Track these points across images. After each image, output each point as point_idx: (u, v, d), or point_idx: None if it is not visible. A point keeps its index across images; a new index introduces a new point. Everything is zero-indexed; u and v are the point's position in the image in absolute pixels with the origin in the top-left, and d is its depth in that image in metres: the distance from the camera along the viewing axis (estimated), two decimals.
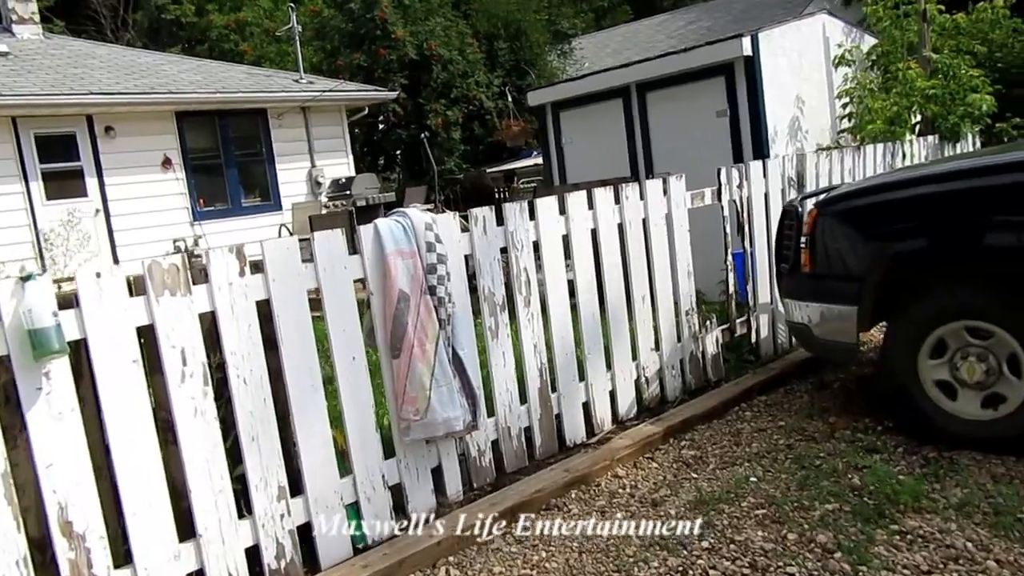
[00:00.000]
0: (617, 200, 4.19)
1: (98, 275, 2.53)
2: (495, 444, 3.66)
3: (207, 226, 12.33)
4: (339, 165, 13.82)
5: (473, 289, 3.54)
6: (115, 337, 2.55)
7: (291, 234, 12.73)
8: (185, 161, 12.32)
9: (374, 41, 15.75)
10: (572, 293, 4.00)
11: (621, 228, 4.22)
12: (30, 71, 11.89)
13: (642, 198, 4.32)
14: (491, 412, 3.64)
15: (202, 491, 2.73)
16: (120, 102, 11.46)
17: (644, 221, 4.34)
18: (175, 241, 11.96)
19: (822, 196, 4.12)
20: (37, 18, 14.25)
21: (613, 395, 4.20)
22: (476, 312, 3.54)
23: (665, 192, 4.45)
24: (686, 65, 7.24)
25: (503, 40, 17.30)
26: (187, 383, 2.70)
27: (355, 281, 3.17)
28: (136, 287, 2.65)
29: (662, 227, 4.44)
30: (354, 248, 3.15)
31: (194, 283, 2.73)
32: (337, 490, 3.07)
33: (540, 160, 15.83)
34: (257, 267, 2.92)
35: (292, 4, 14.88)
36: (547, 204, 3.87)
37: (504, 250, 3.70)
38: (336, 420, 3.12)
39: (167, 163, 12.10)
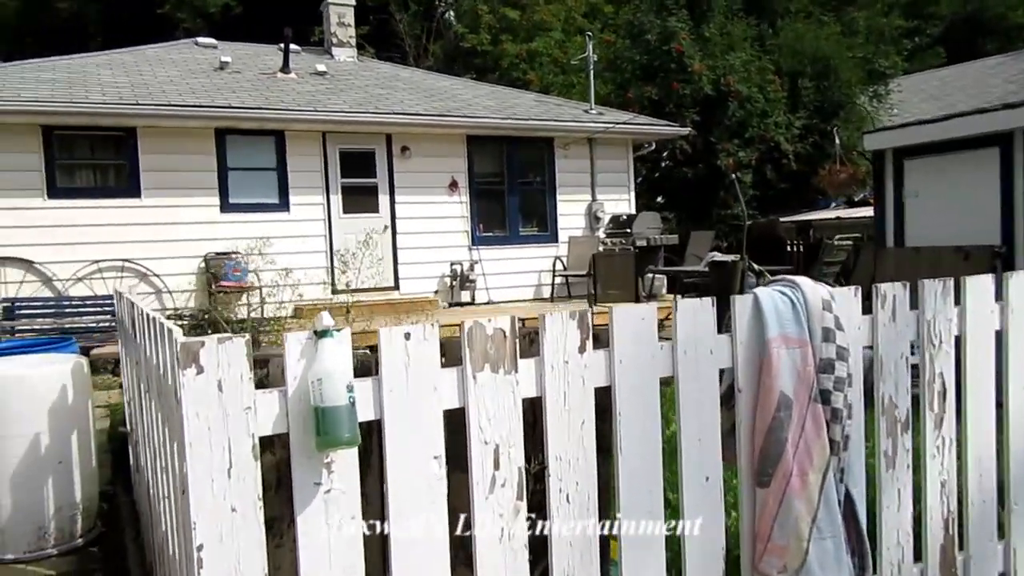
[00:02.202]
0: None
1: (407, 336, 1.87)
2: None
3: (483, 252, 12.21)
4: (620, 201, 13.20)
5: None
6: (425, 421, 1.88)
7: (565, 269, 12.26)
8: (470, 185, 12.31)
9: (668, 74, 15.02)
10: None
11: None
12: (342, 90, 12.53)
13: None
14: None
15: None
16: (418, 123, 11.68)
17: None
18: (452, 264, 11.95)
19: None
20: (354, 42, 15.20)
21: None
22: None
23: None
24: None
25: (808, 79, 15.78)
26: (496, 494, 1.97)
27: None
28: (448, 354, 1.98)
29: None
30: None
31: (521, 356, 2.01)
32: None
33: (840, 212, 14.15)
34: (596, 339, 2.14)
35: (589, 34, 14.57)
36: (980, 285, 2.75)
37: (912, 345, 2.65)
38: (673, 559, 2.26)
39: (453, 185, 12.15)
